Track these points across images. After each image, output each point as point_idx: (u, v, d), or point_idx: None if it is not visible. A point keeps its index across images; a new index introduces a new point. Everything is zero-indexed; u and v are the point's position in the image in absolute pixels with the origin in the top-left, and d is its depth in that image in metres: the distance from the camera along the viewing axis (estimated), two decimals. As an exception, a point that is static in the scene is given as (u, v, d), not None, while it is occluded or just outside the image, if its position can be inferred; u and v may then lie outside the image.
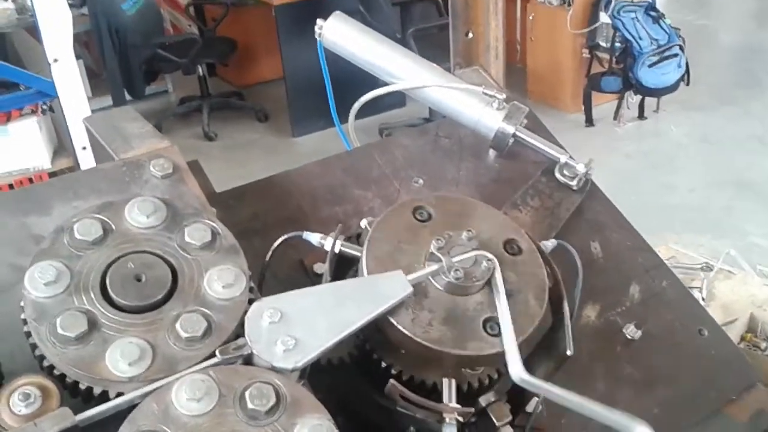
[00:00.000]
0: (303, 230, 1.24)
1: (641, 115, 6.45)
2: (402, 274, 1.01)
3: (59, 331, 0.92)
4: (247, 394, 0.87)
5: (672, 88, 6.11)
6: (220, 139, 6.66)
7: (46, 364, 0.93)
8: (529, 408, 1.21)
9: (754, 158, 5.68)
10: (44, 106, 4.10)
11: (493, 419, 1.08)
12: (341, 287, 1.01)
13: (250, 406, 0.86)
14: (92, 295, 0.97)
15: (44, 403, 0.85)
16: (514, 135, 1.50)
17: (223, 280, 0.99)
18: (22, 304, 0.95)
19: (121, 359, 0.91)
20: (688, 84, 6.16)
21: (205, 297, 0.99)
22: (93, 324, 0.94)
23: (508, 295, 1.05)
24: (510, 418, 1.10)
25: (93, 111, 3.82)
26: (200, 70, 6.83)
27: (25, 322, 0.94)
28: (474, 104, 1.51)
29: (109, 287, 0.97)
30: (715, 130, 6.21)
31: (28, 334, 0.93)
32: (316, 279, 1.33)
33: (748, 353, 1.59)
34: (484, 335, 1.03)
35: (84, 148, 3.74)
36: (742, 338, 2.41)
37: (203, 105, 6.84)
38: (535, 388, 1.02)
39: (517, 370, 1.00)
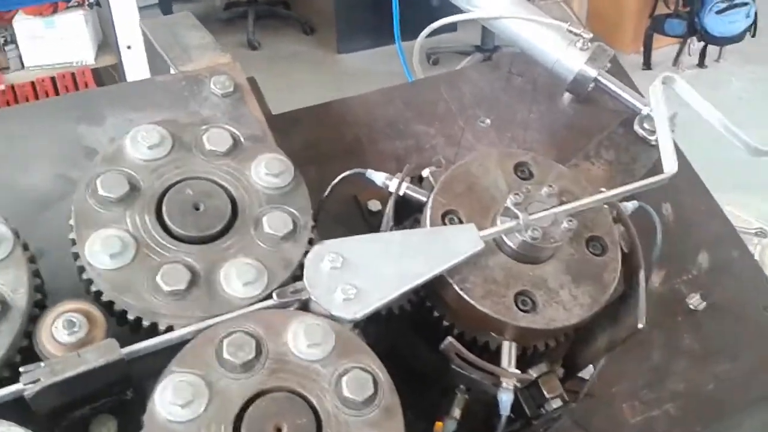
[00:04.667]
0: (359, 163, 1.16)
1: (701, 64, 6.15)
2: (474, 228, 0.93)
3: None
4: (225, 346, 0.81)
5: (737, 38, 5.80)
6: (263, 48, 6.48)
7: (93, 289, 0.87)
8: (585, 374, 1.16)
9: (816, 120, 5.43)
10: (91, 0, 3.99)
11: (544, 392, 1.02)
12: (408, 236, 0.94)
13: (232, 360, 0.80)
14: (146, 211, 0.91)
15: (89, 333, 0.80)
16: (595, 79, 1.39)
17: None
18: (71, 222, 0.89)
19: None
20: (753, 35, 5.84)
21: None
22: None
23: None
24: (560, 391, 1.04)
25: (139, 9, 3.71)
26: (248, -25, 6.63)
27: (73, 242, 0.88)
28: (556, 41, 1.39)
29: (164, 211, 0.91)
30: (777, 87, 5.92)
31: (76, 256, 0.88)
32: (370, 216, 1.27)
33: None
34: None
35: (129, 47, 3.65)
36: (793, 312, 2.32)
37: (249, 12, 6.64)
38: None
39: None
